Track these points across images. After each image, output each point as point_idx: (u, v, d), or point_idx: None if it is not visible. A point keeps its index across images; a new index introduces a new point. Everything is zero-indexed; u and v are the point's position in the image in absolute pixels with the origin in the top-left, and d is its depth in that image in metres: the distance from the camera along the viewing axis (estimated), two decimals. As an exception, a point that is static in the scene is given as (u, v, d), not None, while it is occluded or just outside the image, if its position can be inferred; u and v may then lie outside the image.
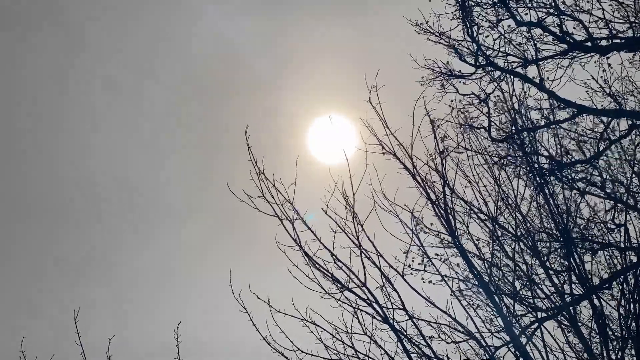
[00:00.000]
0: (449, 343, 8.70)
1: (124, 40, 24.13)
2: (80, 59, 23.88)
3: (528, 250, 10.28)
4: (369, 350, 8.18)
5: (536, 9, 11.78)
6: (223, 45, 23.56)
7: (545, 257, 10.36)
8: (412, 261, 9.75)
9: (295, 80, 22.89)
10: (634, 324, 9.42)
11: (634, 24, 11.32)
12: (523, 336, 9.18)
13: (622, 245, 10.51)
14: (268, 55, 23.49)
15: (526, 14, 11.94)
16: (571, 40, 11.54)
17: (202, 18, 23.47)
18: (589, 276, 10.09)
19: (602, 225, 11.21)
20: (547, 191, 10.46)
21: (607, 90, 11.91)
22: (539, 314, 9.67)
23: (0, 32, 23.16)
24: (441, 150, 9.57)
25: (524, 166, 10.78)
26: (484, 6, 12.01)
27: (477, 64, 12.18)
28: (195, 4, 23.43)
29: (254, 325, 7.83)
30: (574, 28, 11.63)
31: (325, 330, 8.10)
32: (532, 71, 11.91)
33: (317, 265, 8.17)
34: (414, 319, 8.37)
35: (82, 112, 24.33)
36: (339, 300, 8.21)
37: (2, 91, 23.74)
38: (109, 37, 24.00)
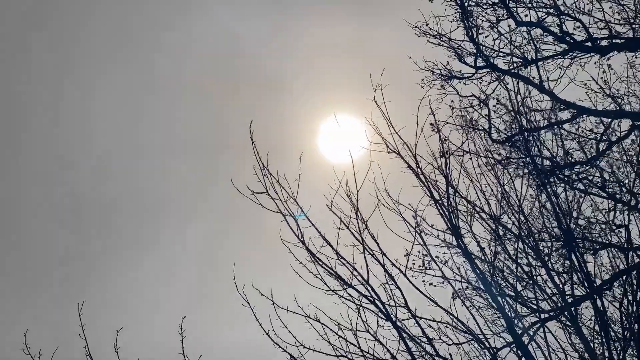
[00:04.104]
0: (450, 345, 8.66)
1: (128, 38, 24.14)
2: (82, 57, 23.87)
3: (530, 251, 10.25)
4: (372, 349, 8.13)
5: (536, 9, 11.84)
6: (229, 43, 23.60)
7: (547, 258, 10.34)
8: (414, 264, 9.76)
9: (303, 77, 22.95)
10: (636, 325, 9.37)
11: (634, 25, 11.37)
12: (525, 337, 9.13)
13: (624, 245, 10.50)
14: (274, 52, 23.54)
15: (526, 15, 12.00)
16: (571, 40, 11.59)
17: (209, 15, 23.52)
18: (591, 277, 10.06)
19: (603, 225, 11.22)
20: (549, 191, 10.44)
21: (608, 91, 11.96)
22: (542, 315, 9.64)
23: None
24: (444, 151, 9.56)
25: (526, 166, 10.77)
26: (484, 6, 12.05)
27: (477, 65, 12.22)
28: (201, 1, 23.49)
29: (257, 319, 7.78)
30: (574, 28, 11.68)
31: (327, 327, 8.06)
32: (532, 72, 11.96)
33: (320, 262, 8.13)
34: (416, 317, 8.33)
35: (84, 112, 24.32)
36: (341, 297, 8.18)
37: (1, 92, 23.72)
38: (111, 34, 24.00)
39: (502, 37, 11.99)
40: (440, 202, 9.11)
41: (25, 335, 7.00)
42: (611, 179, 11.59)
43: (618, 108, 11.78)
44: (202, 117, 24.23)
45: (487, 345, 8.88)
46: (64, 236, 23.68)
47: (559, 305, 9.86)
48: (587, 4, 11.54)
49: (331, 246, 8.12)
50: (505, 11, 11.95)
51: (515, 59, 11.95)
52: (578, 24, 11.62)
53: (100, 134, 24.24)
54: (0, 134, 23.82)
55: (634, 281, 9.78)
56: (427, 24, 12.37)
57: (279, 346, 7.82)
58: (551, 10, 11.71)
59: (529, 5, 11.87)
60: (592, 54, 11.67)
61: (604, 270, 10.78)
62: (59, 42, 23.91)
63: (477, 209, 10.24)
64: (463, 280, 9.90)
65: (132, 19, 23.78)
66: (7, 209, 23.42)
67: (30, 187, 24.17)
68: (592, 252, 10.72)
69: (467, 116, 12.14)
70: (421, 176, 9.16)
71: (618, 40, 11.47)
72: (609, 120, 11.65)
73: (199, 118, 24.34)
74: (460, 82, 12.39)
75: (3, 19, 22.97)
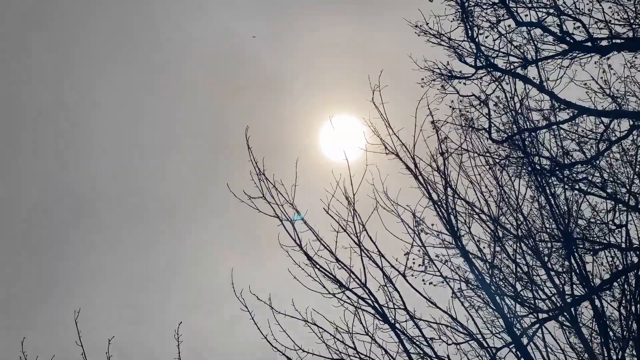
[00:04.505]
0: (449, 344, 8.67)
1: (128, 38, 24.14)
2: (82, 57, 23.87)
3: (529, 251, 10.26)
4: (370, 350, 8.15)
5: (536, 9, 11.80)
6: (229, 43, 23.59)
7: (547, 258, 10.35)
8: (414, 263, 9.78)
9: (304, 77, 22.95)
10: (634, 325, 9.37)
11: (634, 25, 11.34)
12: (524, 337, 9.14)
13: (623, 245, 10.49)
14: (274, 52, 23.54)
15: (526, 15, 11.97)
16: (571, 41, 11.55)
17: (209, 15, 23.51)
18: (590, 277, 10.06)
19: (603, 225, 11.21)
20: (548, 192, 10.44)
21: (607, 91, 11.95)
22: (540, 315, 9.65)
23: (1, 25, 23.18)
24: (443, 151, 9.57)
25: (525, 167, 10.76)
26: (484, 6, 12.02)
27: (477, 65, 12.20)
28: (201, 1, 23.48)
29: (255, 324, 7.83)
30: (574, 29, 11.65)
31: (326, 330, 8.08)
32: (532, 72, 11.94)
33: (317, 265, 8.16)
34: (415, 319, 8.34)
35: (87, 112, 24.34)
36: (340, 300, 8.20)
37: (1, 92, 23.74)
38: (111, 34, 24.00)
39: (502, 37, 11.97)
40: (438, 203, 9.13)
41: (22, 344, 7.05)
42: (611, 179, 11.58)
43: (618, 108, 11.76)
44: (202, 117, 24.24)
45: (486, 345, 8.90)
46: (63, 237, 23.74)
47: (558, 305, 9.87)
48: (587, 4, 11.51)
49: (329, 249, 8.15)
50: (505, 11, 11.92)
51: (515, 59, 11.94)
52: (578, 24, 11.57)
53: (100, 134, 24.27)
54: (0, 133, 23.88)
55: (633, 281, 9.78)
56: (427, 24, 12.35)
57: (278, 350, 7.85)
58: (551, 11, 11.67)
59: (529, 5, 11.85)
60: (592, 54, 11.63)
61: (603, 270, 10.79)
62: (59, 42, 23.93)
63: (476, 209, 10.25)
64: (462, 280, 9.93)
65: (132, 19, 23.79)
66: (6, 209, 23.49)
67: (29, 189, 24.23)
68: (591, 252, 10.71)
69: (467, 116, 12.15)
70: (419, 177, 9.19)
71: (618, 40, 11.43)
72: (609, 120, 11.63)
73: (199, 118, 24.35)
74: (460, 82, 12.38)
75: (3, 19, 22.99)
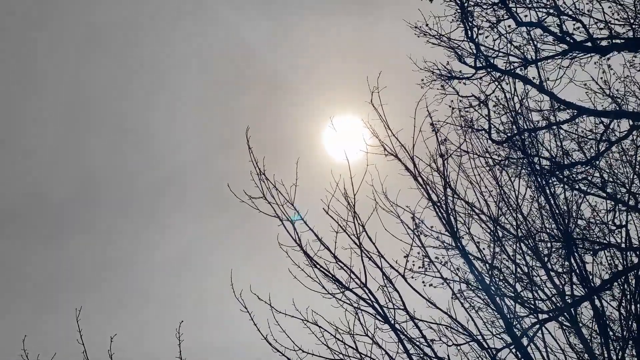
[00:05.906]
0: (450, 346, 8.66)
1: (133, 38, 24.17)
2: (84, 56, 23.90)
3: (529, 252, 10.26)
4: (370, 351, 8.15)
5: (536, 9, 11.81)
6: (231, 43, 23.62)
7: (547, 258, 10.34)
8: (413, 265, 9.79)
9: (308, 77, 22.97)
10: (634, 325, 9.37)
11: (634, 25, 11.34)
12: (525, 337, 9.14)
13: (623, 245, 10.49)
14: (277, 53, 23.57)
15: (526, 15, 11.98)
16: (571, 41, 11.56)
17: (212, 17, 23.55)
18: (590, 277, 10.06)
19: (602, 225, 11.21)
20: (548, 192, 10.43)
21: (607, 92, 11.95)
22: (541, 316, 9.64)
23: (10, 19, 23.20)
24: (442, 152, 9.57)
25: (525, 167, 10.76)
26: (484, 7, 12.03)
27: (477, 65, 12.21)
28: (210, 4, 23.52)
29: (255, 324, 7.82)
30: (574, 29, 11.66)
31: (326, 330, 8.08)
32: (532, 72, 11.95)
33: (317, 265, 8.15)
34: (414, 320, 8.34)
35: (87, 112, 24.35)
36: (340, 300, 8.19)
37: (5, 88, 23.77)
38: (117, 35, 24.03)
39: (502, 37, 11.98)
40: (438, 204, 9.12)
41: (23, 342, 7.06)
42: (610, 180, 11.58)
43: (618, 108, 11.77)
44: (204, 116, 24.28)
45: (487, 346, 8.89)
46: (62, 238, 23.76)
47: (559, 305, 9.86)
48: (587, 4, 11.52)
49: (329, 249, 8.14)
50: (505, 11, 11.93)
51: (515, 59, 11.95)
52: (578, 24, 11.59)
53: (100, 134, 24.30)
54: (1, 133, 23.91)
55: (633, 281, 9.78)
56: (427, 24, 12.37)
57: (278, 350, 7.84)
58: (551, 11, 11.68)
59: (529, 5, 11.85)
60: (592, 54, 11.64)
61: (603, 270, 10.79)
62: (59, 42, 23.96)
63: (476, 210, 10.26)
64: (462, 281, 9.92)
65: (135, 19, 23.83)
66: (6, 209, 23.52)
67: (28, 191, 24.25)
68: (591, 252, 10.71)
69: (467, 116, 12.15)
70: (419, 178, 9.17)
71: (618, 41, 11.43)
72: (609, 120, 11.63)
73: (201, 118, 24.39)
74: (460, 83, 12.39)
75: (3, 19, 23.02)
